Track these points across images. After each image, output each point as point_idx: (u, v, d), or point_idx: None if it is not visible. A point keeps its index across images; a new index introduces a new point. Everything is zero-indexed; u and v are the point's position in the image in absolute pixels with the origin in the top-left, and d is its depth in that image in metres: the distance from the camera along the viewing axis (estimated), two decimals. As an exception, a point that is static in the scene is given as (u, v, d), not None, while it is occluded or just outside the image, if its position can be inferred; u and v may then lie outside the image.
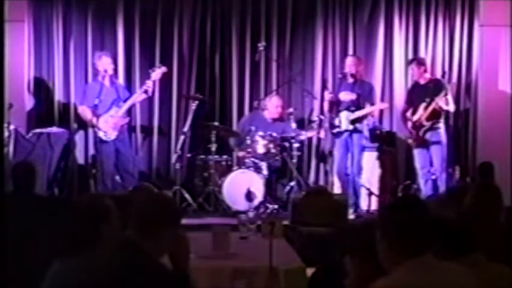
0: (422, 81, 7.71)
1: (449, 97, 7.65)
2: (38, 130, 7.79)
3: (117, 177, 7.65)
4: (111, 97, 7.59)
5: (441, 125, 7.66)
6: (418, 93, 7.71)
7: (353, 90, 7.70)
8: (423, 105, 7.55)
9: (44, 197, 3.94)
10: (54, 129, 7.91)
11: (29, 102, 8.21)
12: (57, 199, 3.89)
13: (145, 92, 7.71)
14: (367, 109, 7.88)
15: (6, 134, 7.17)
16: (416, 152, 7.73)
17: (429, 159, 7.68)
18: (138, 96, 7.78)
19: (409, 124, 7.70)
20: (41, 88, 8.30)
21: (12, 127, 7.38)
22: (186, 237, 2.79)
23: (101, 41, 8.35)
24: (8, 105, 6.97)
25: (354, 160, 7.70)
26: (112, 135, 7.52)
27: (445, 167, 7.67)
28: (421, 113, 7.56)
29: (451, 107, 7.73)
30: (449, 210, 3.40)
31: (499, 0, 8.09)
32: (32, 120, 8.16)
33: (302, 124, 8.26)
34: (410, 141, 7.73)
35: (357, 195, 7.71)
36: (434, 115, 7.57)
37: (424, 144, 7.63)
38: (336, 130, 7.72)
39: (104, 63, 7.60)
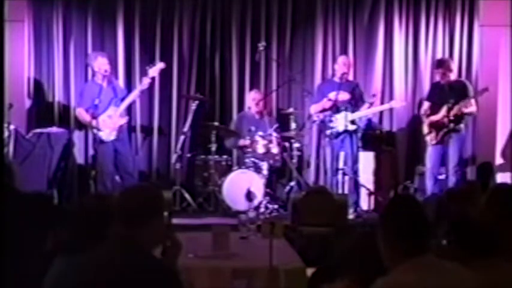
0: (443, 82, 7.65)
1: (473, 100, 7.60)
2: (38, 130, 7.78)
3: (117, 178, 7.64)
4: (108, 97, 7.54)
5: (462, 126, 7.61)
6: (440, 93, 7.59)
7: (345, 90, 7.68)
8: (447, 106, 7.47)
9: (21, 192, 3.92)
10: (54, 129, 7.90)
11: (29, 102, 8.21)
12: (33, 194, 3.85)
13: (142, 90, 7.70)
14: (377, 108, 7.92)
15: (6, 134, 7.17)
16: (430, 152, 7.66)
17: (440, 159, 7.63)
18: (136, 95, 7.74)
19: (428, 123, 7.62)
20: (41, 88, 8.30)
21: (12, 127, 7.37)
22: (176, 236, 2.81)
23: (101, 41, 8.35)
24: (8, 105, 6.97)
25: (352, 160, 7.68)
26: (110, 135, 7.49)
27: (457, 169, 7.60)
28: (444, 114, 7.50)
29: (474, 109, 7.66)
30: (456, 208, 3.37)
31: (499, 0, 8.09)
32: (32, 120, 8.16)
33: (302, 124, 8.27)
34: (427, 140, 7.64)
35: (357, 195, 7.70)
36: (457, 117, 7.51)
37: (442, 144, 7.57)
38: (333, 130, 7.68)
39: (100, 63, 7.56)
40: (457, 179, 7.56)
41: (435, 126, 7.54)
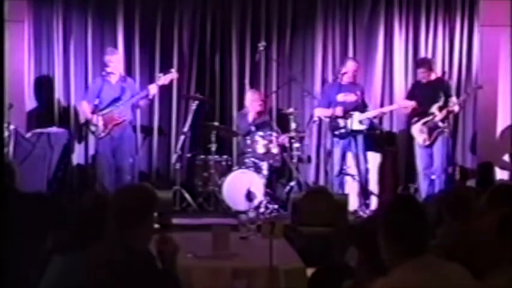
0: (425, 81, 7.65)
1: (455, 99, 7.60)
2: (38, 130, 7.78)
3: (116, 177, 7.62)
4: (112, 95, 7.52)
5: (447, 125, 7.61)
6: (422, 93, 7.59)
7: (350, 92, 7.66)
8: (436, 105, 7.46)
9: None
10: (54, 129, 7.90)
11: (29, 102, 8.21)
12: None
13: (146, 96, 7.67)
14: (388, 108, 7.93)
15: (6, 134, 7.16)
16: (421, 152, 7.65)
17: (431, 159, 7.61)
18: (139, 100, 7.70)
19: (419, 124, 7.60)
20: (41, 88, 8.30)
21: (12, 127, 7.38)
22: (171, 237, 2.83)
23: (101, 41, 8.34)
24: (8, 105, 6.96)
25: (361, 160, 7.65)
26: (104, 133, 7.44)
27: (445, 167, 7.60)
28: (436, 114, 7.50)
29: (457, 108, 7.67)
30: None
31: (499, 0, 8.09)
32: (32, 120, 8.16)
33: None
34: (420, 141, 7.59)
35: (366, 195, 7.67)
36: (446, 116, 7.51)
37: (432, 144, 7.56)
38: (341, 131, 7.63)
39: (106, 60, 7.57)
40: (451, 178, 7.57)
41: (428, 127, 7.50)
